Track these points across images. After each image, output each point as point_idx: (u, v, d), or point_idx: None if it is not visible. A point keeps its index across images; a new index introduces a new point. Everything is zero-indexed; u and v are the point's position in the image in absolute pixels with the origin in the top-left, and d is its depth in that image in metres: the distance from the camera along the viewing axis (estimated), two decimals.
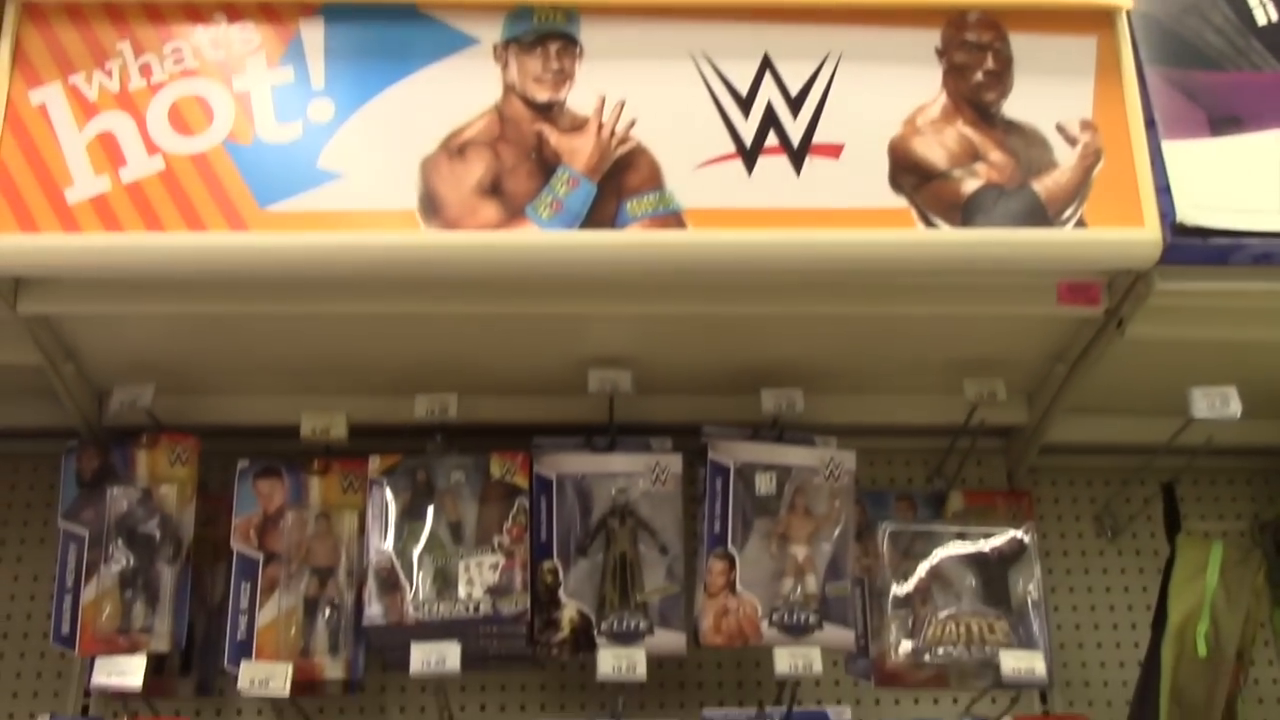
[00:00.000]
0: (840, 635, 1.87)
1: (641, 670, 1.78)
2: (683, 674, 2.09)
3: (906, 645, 1.94)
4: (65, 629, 1.85)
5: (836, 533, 1.93)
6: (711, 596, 1.87)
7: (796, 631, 1.85)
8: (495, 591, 1.83)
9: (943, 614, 1.95)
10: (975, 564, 1.99)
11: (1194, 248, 1.69)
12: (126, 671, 1.77)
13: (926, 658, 1.93)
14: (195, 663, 2.00)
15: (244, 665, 1.80)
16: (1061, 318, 1.87)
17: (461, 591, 1.83)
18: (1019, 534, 2.00)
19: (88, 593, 1.85)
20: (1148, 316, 1.78)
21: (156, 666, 1.89)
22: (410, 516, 1.88)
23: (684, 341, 1.95)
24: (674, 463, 1.94)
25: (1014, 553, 2.00)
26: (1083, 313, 1.83)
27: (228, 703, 2.03)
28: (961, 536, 2.01)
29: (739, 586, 1.87)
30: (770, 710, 1.89)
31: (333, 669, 1.86)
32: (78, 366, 1.94)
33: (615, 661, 1.79)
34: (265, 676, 1.76)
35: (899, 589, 1.97)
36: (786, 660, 1.80)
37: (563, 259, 1.68)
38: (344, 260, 1.67)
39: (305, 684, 1.84)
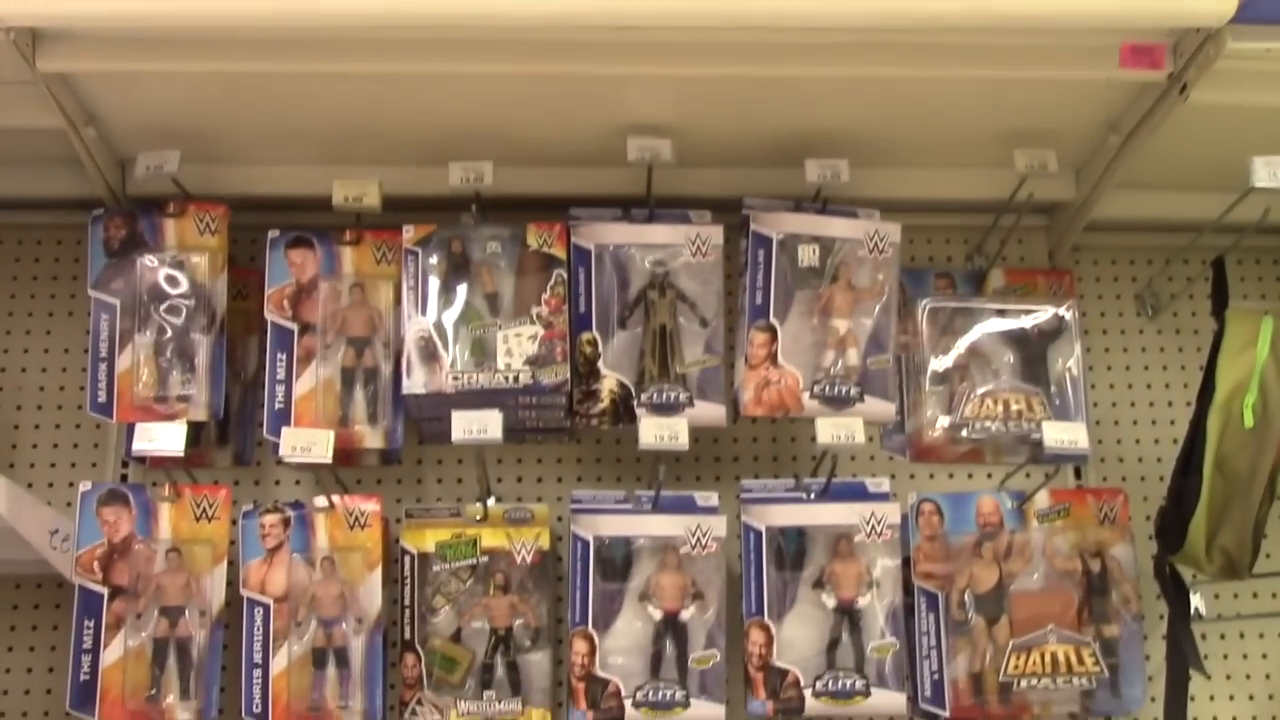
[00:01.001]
0: (881, 407, 1.87)
1: (684, 439, 1.77)
2: (719, 448, 2.09)
3: (944, 420, 1.93)
4: (102, 397, 1.84)
5: (878, 306, 1.90)
6: (753, 368, 1.85)
7: (838, 403, 1.84)
8: (534, 362, 1.81)
9: (980, 390, 1.94)
10: (1014, 341, 1.97)
11: (1270, 3, 1.61)
12: (167, 438, 1.76)
13: (964, 433, 1.92)
14: (232, 433, 2.00)
15: (285, 432, 1.78)
16: (1121, 83, 1.80)
17: (500, 362, 1.81)
18: (1059, 311, 1.97)
19: (123, 361, 1.84)
20: (1213, 81, 1.71)
21: (194, 437, 1.87)
22: (446, 287, 1.85)
23: (725, 108, 1.88)
24: (715, 234, 1.90)
25: (1054, 330, 1.97)
26: (1144, 77, 1.76)
27: (265, 472, 2.04)
28: (1001, 314, 1.98)
29: (780, 358, 1.85)
30: (808, 481, 1.89)
31: (372, 438, 1.86)
32: (100, 131, 1.87)
33: (658, 431, 1.77)
34: (308, 443, 1.76)
35: (937, 365, 1.96)
36: (829, 430, 1.79)
37: (603, 9, 1.60)
38: (374, 8, 1.59)
39: (344, 452, 1.83)
